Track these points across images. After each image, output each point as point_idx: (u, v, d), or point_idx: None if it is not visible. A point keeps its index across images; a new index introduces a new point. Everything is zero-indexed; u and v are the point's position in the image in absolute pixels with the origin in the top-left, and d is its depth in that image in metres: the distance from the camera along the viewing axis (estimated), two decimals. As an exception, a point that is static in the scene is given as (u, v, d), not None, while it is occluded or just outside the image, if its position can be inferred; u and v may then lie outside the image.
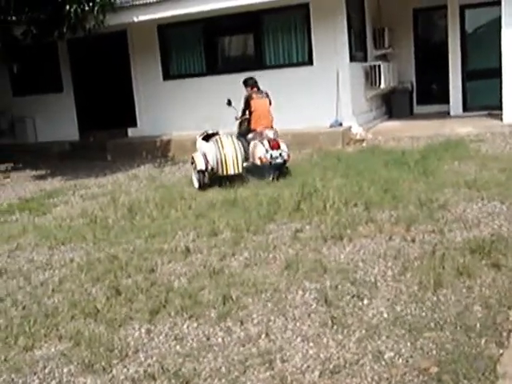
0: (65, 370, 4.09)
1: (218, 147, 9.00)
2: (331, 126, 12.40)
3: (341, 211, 7.01)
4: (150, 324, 4.61)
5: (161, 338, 4.38)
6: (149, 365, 4.02)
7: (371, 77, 13.21)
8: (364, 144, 11.90)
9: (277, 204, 7.52)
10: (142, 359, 4.11)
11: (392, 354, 3.82)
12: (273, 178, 8.97)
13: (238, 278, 5.32)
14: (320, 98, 12.42)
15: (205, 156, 9.04)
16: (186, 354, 4.09)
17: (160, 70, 13.94)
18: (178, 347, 4.21)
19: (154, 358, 4.09)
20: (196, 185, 9.12)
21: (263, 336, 4.24)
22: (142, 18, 12.65)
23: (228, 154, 8.93)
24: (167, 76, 13.90)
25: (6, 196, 10.63)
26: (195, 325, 4.51)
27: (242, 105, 9.85)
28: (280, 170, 9.16)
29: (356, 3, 13.19)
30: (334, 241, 6.09)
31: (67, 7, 10.18)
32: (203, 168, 8.96)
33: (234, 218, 7.10)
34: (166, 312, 4.77)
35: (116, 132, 14.26)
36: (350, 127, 12.47)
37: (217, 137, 9.24)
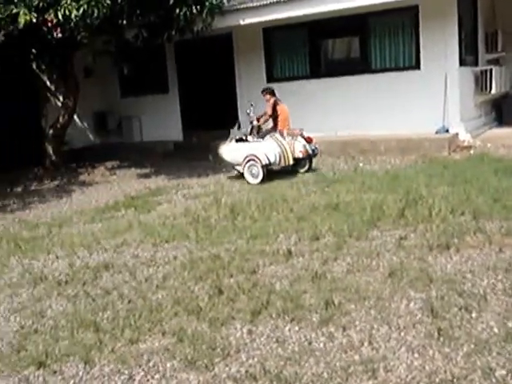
0: (168, 365, 4.16)
1: (278, 144, 10.48)
2: (437, 132, 12.02)
3: (447, 220, 6.77)
4: (252, 325, 4.61)
5: (262, 339, 4.37)
6: (250, 365, 4.01)
7: (481, 82, 12.70)
8: (472, 151, 11.46)
9: (380, 210, 7.37)
10: (244, 359, 4.11)
11: (504, 372, 3.63)
12: (309, 168, 10.88)
13: (341, 283, 5.24)
14: (426, 103, 12.08)
15: (265, 152, 10.31)
16: (287, 357, 4.06)
17: (264, 72, 14.02)
18: (279, 350, 4.18)
19: (256, 359, 4.08)
20: (259, 178, 10.28)
21: (366, 344, 4.14)
22: (248, 20, 12.77)
23: (286, 148, 10.51)
24: (271, 78, 13.96)
25: (113, 193, 11.01)
26: (297, 328, 4.47)
27: (267, 110, 11.16)
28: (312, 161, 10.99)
29: (468, 4, 12.72)
30: (440, 250, 5.88)
31: (177, 10, 10.45)
32: (267, 162, 10.27)
33: (337, 223, 7.02)
34: (267, 314, 4.76)
35: (218, 133, 14.44)
36: (457, 134, 12.04)
37: (274, 135, 10.70)
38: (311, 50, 13.53)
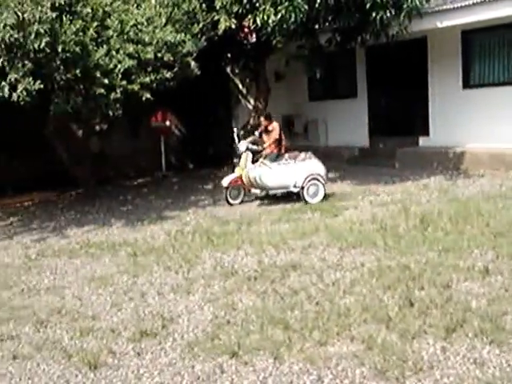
0: (357, 372, 4.10)
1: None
2: None
3: None
4: (446, 342, 4.40)
5: (457, 358, 4.16)
6: (445, 384, 3.83)
7: None
8: None
9: None
10: (438, 377, 3.93)
11: None
12: None
13: (546, 307, 4.83)
14: None
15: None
16: (486, 381, 3.81)
17: (460, 78, 13.36)
18: (477, 372, 3.95)
19: (451, 379, 3.89)
20: (319, 197, 10.23)
21: None
22: (447, 23, 12.26)
23: None
24: (467, 84, 13.29)
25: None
26: (497, 351, 4.19)
27: (275, 134, 11.37)
28: None
29: None
30: None
31: (373, 14, 10.34)
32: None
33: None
34: (462, 332, 4.52)
35: (406, 140, 14.12)
36: None
37: (309, 156, 10.73)
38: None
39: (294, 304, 5.41)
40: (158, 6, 10.11)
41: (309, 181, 10.11)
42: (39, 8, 8.37)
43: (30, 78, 8.29)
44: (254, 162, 10.64)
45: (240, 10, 11.00)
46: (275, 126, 11.49)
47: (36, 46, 8.26)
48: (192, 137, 15.94)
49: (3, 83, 8.28)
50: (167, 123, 15.39)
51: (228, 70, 15.48)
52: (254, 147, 10.89)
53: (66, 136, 13.10)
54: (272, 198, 10.84)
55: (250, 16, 10.87)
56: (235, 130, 11.41)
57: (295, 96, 17.14)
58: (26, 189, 13.29)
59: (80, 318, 5.48)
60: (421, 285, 5.58)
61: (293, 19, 10.18)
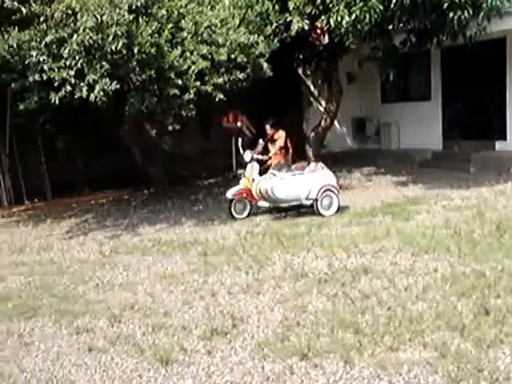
0: (430, 379, 4.03)
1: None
2: None
3: None
4: (524, 352, 4.24)
5: (538, 370, 4.00)
6: (523, 397, 3.69)
7: None
8: None
9: None
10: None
11: None
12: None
13: None
14: None
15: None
16: None
17: (540, 81, 12.92)
18: (558, 384, 3.79)
19: (530, 391, 3.74)
20: (333, 210, 9.76)
21: None
22: (529, 23, 11.83)
23: None
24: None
25: (369, 199, 11.00)
26: None
27: (280, 142, 10.91)
28: None
29: None
30: None
31: (450, 14, 10.09)
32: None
33: None
34: (542, 343, 4.35)
35: (481, 144, 13.70)
36: None
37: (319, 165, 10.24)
38: None
39: (364, 308, 5.34)
40: (231, 8, 10.19)
41: (322, 192, 9.69)
42: (117, 10, 8.58)
43: (107, 79, 8.52)
44: (260, 172, 10.29)
45: (313, 11, 10.97)
46: (281, 135, 11.05)
47: (113, 47, 8.47)
48: (263, 138, 15.98)
49: (82, 84, 8.52)
50: (238, 124, 15.48)
51: (300, 71, 15.46)
52: (260, 157, 10.61)
53: (140, 136, 13.39)
54: (283, 210, 10.16)
55: (323, 17, 10.82)
56: (239, 140, 10.75)
57: (367, 98, 16.95)
58: (101, 187, 13.68)
59: (152, 315, 5.59)
60: (497, 293, 5.41)
61: (367, 20, 10.05)
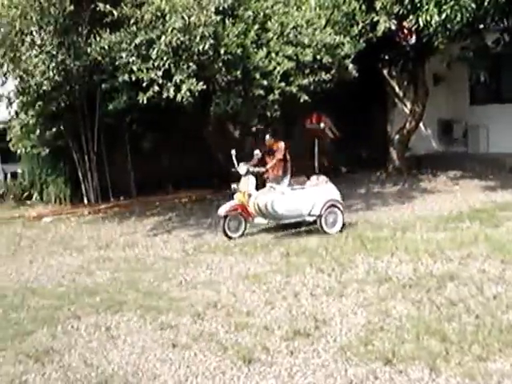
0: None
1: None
2: None
3: None
4: None
5: None
6: None
7: None
8: None
9: None
10: None
11: None
12: None
13: None
14: None
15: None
16: None
17: None
18: None
19: None
20: (337, 227, 9.00)
21: None
22: None
23: None
24: None
25: (456, 203, 10.70)
26: None
27: (279, 155, 9.75)
28: None
29: None
30: None
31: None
32: None
33: None
34: None
35: None
36: None
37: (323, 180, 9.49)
38: None
39: (451, 315, 5.17)
40: (317, 8, 10.17)
41: (327, 208, 8.88)
42: (204, 12, 8.73)
43: (194, 80, 8.67)
44: (256, 187, 9.43)
45: (401, 11, 10.78)
46: (280, 146, 9.89)
47: (200, 48, 8.62)
48: (345, 140, 15.81)
49: (169, 84, 8.71)
50: (321, 125, 15.40)
51: (385, 72, 15.23)
52: (256, 169, 9.61)
53: (223, 136, 13.54)
54: (283, 228, 9.35)
55: (411, 16, 10.62)
56: (233, 151, 9.69)
57: (455, 100, 16.43)
58: (184, 186, 13.91)
59: (235, 314, 5.61)
60: None
61: (458, 19, 9.79)
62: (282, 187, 9.22)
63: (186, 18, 8.61)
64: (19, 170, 15.26)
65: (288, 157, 10.06)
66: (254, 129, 14.01)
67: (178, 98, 8.65)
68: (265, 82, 9.16)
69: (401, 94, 15.49)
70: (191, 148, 13.79)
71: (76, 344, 5.19)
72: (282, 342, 4.85)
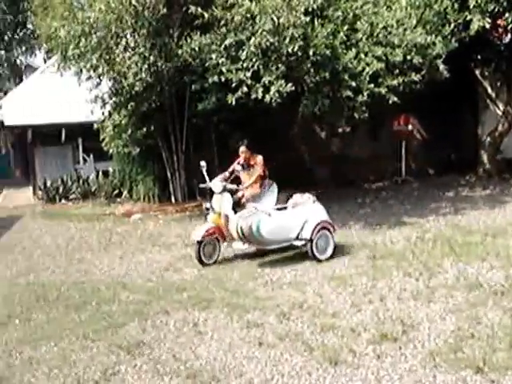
0: None
1: None
2: None
3: None
4: None
5: None
6: None
7: None
8: None
9: None
10: None
11: None
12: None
13: None
14: None
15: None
16: None
17: None
18: None
19: None
20: (329, 252, 7.87)
21: None
22: None
23: None
24: None
25: None
26: None
27: (259, 170, 8.51)
28: None
29: None
30: None
31: None
32: None
33: None
34: None
35: None
36: None
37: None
38: None
39: (547, 325, 4.97)
40: (408, 8, 9.97)
41: (318, 231, 7.76)
42: (293, 13, 8.75)
43: (282, 81, 8.71)
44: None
45: (496, 9, 10.43)
46: (259, 161, 8.65)
47: (289, 49, 8.65)
48: (434, 142, 15.46)
49: (257, 85, 8.79)
50: (409, 127, 15.14)
51: (477, 72, 14.78)
52: (234, 187, 8.36)
53: (309, 137, 13.53)
54: (264, 253, 8.18)
55: (507, 14, 10.27)
56: (202, 163, 8.44)
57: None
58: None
59: (321, 315, 5.60)
60: None
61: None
62: (266, 207, 7.91)
63: (276, 19, 8.66)
64: (110, 169, 15.84)
65: (267, 172, 8.76)
66: (340, 130, 13.98)
67: (267, 99, 8.71)
68: (353, 83, 9.07)
69: (493, 94, 14.99)
70: (277, 148, 13.83)
71: (165, 338, 5.33)
72: (369, 345, 4.80)
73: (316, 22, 9.11)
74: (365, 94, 9.17)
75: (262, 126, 12.98)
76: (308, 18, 8.93)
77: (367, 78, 9.13)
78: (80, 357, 5.04)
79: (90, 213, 13.44)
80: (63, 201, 15.72)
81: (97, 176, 16.28)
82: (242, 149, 8.65)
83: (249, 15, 8.79)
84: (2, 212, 14.82)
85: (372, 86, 9.17)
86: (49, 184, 16.05)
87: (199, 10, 9.10)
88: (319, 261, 7.58)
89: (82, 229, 11.32)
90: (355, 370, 4.39)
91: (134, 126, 12.11)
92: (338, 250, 8.08)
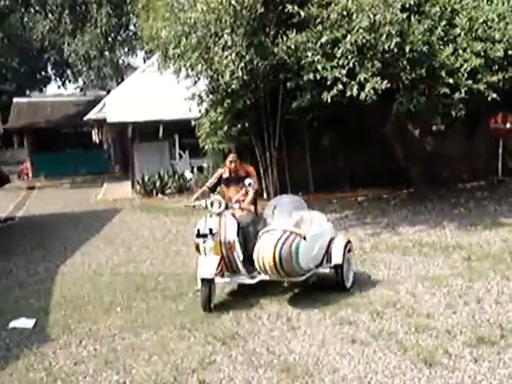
0: None
1: None
2: None
3: None
4: None
5: None
6: None
7: None
8: None
9: None
10: None
11: None
12: None
13: None
14: None
15: None
16: None
17: None
18: None
19: None
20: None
21: None
22: None
23: None
24: None
25: None
26: None
27: (254, 184, 6.84)
28: None
29: None
30: None
31: None
32: None
33: None
34: None
35: None
36: None
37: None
38: None
39: None
40: (511, 1, 9.61)
41: (346, 253, 6.60)
42: (390, 10, 8.65)
43: (378, 78, 8.63)
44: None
45: None
46: (252, 172, 7.21)
47: (386, 46, 8.56)
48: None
49: (353, 83, 8.75)
50: (507, 126, 14.61)
51: None
52: (237, 205, 6.76)
53: (403, 135, 13.31)
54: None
55: None
56: (187, 172, 6.75)
57: None
58: (361, 184, 13.90)
59: (414, 314, 5.57)
60: None
61: None
62: (302, 229, 6.23)
63: (372, 16, 8.59)
64: (204, 164, 16.20)
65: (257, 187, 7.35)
66: (434, 128, 13.65)
67: (362, 96, 8.67)
68: (450, 80, 8.84)
69: None
70: (369, 146, 13.74)
71: (259, 331, 5.46)
72: (465, 347, 4.74)
73: (413, 19, 8.96)
74: (462, 90, 8.92)
75: (354, 124, 12.93)
76: (405, 15, 8.81)
77: (465, 75, 8.88)
78: (178, 345, 5.26)
79: (184, 207, 13.78)
80: (160, 195, 16.26)
81: (191, 171, 16.70)
82: (232, 157, 7.14)
83: (345, 13, 8.74)
84: (103, 205, 15.51)
85: (470, 82, 8.91)
86: (146, 179, 16.63)
87: (295, 8, 9.15)
88: (346, 289, 6.45)
89: (178, 222, 11.64)
90: (451, 372, 4.35)
91: (230, 123, 12.33)
92: (431, 250, 7.96)
